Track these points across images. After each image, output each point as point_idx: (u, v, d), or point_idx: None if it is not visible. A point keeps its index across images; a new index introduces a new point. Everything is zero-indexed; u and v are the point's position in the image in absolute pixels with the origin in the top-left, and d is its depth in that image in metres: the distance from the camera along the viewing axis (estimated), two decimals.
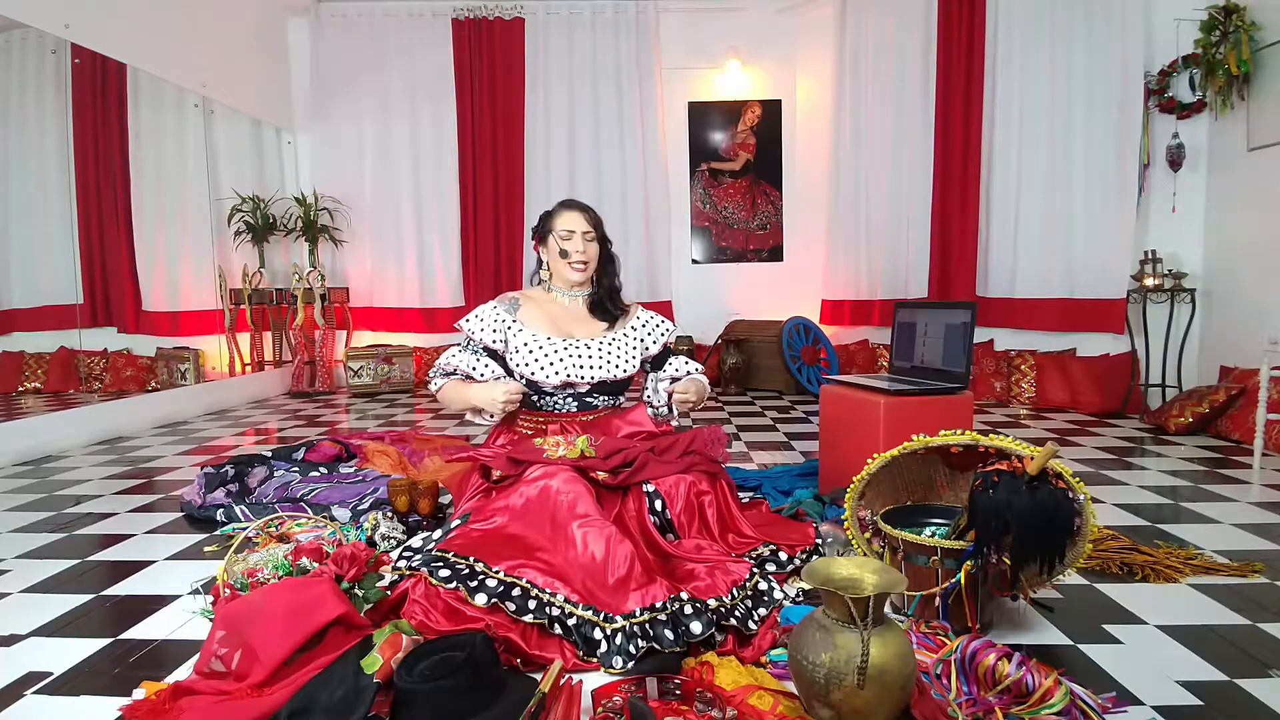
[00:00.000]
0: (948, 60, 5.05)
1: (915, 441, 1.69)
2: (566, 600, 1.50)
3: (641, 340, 2.21)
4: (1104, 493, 2.62)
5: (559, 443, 1.95)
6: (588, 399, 2.13)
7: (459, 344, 2.18)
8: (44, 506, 2.70)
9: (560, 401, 2.12)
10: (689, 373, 2.24)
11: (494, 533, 1.69)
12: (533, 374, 2.07)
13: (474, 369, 2.10)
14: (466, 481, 2.05)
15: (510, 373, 2.12)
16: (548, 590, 1.52)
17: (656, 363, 2.27)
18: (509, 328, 2.11)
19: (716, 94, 6.08)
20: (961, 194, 5.05)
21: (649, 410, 2.19)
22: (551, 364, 2.06)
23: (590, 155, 6.00)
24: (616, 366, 2.12)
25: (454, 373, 2.13)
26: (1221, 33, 3.99)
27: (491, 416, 2.06)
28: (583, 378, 2.08)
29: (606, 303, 2.20)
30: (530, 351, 2.08)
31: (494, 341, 2.10)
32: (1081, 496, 1.49)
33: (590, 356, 2.09)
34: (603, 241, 2.19)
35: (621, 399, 2.23)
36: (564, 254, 2.13)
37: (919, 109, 5.20)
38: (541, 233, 2.20)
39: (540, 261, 2.24)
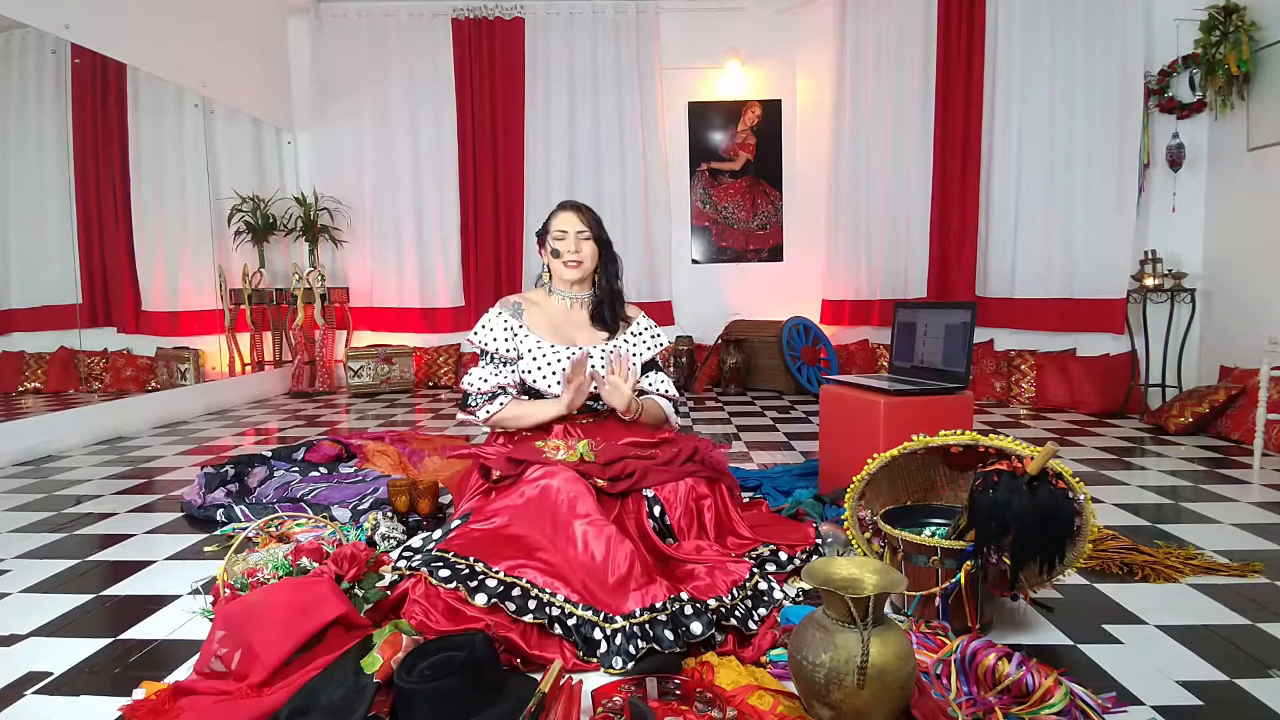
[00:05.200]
0: (948, 60, 5.06)
1: (915, 441, 1.69)
2: (566, 600, 1.50)
3: (647, 345, 2.21)
4: (1104, 493, 2.62)
5: (559, 446, 1.95)
6: (587, 403, 2.12)
7: (481, 362, 2.14)
8: (44, 506, 2.70)
9: None
10: (660, 392, 2.22)
11: (494, 532, 1.69)
12: (534, 381, 2.07)
13: (511, 380, 2.07)
14: (466, 481, 2.04)
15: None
16: (548, 590, 1.52)
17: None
18: (515, 334, 2.11)
19: (716, 94, 6.07)
20: (961, 194, 5.05)
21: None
22: (555, 372, 2.06)
23: (590, 155, 6.00)
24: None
25: (494, 394, 2.09)
26: (1221, 33, 3.99)
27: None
28: None
29: (606, 311, 2.18)
30: (535, 359, 2.07)
31: (508, 350, 2.09)
32: (1081, 496, 1.49)
33: (593, 365, 2.09)
34: (601, 241, 2.18)
35: None
36: (555, 254, 2.13)
37: (919, 109, 5.20)
38: (541, 235, 2.21)
39: (546, 264, 2.24)
